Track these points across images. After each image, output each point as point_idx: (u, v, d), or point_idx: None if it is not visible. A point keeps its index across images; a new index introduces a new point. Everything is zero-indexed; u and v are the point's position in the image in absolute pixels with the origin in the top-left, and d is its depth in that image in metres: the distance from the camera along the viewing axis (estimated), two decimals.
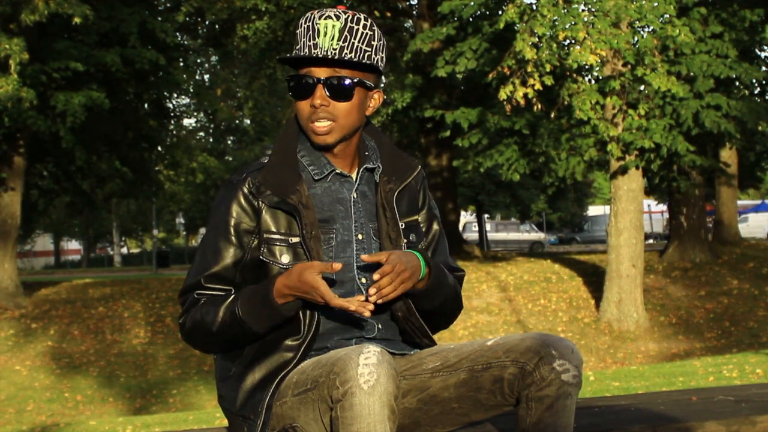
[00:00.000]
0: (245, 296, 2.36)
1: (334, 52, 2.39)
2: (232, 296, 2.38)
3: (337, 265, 2.27)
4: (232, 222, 2.42)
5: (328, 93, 2.41)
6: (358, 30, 2.41)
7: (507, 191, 40.87)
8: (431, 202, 2.63)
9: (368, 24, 2.43)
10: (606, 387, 9.75)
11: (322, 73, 2.41)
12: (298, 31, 2.44)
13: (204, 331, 2.40)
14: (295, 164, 2.46)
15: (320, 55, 2.38)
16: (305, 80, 2.42)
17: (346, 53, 2.39)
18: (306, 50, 2.40)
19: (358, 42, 2.40)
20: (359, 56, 2.41)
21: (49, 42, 18.66)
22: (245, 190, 2.43)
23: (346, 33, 2.40)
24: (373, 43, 2.43)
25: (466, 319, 18.60)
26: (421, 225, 2.59)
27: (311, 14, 2.42)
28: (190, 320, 2.41)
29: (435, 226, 2.62)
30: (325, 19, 2.40)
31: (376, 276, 2.30)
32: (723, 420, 3.08)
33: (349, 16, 2.41)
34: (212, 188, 42.98)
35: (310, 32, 2.40)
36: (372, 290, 2.30)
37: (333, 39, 2.39)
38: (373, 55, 2.44)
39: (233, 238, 2.42)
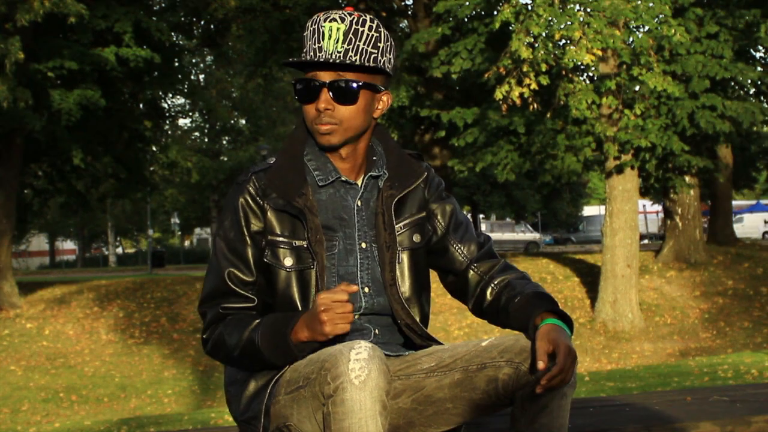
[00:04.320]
0: (266, 326, 2.32)
1: (338, 55, 2.35)
2: (256, 322, 2.34)
3: (354, 287, 2.23)
4: (243, 223, 2.40)
5: (332, 96, 2.38)
6: (363, 32, 2.37)
7: (502, 191, 40.89)
8: (443, 194, 2.58)
9: (374, 26, 2.39)
10: (601, 387, 9.75)
11: (326, 76, 2.38)
12: (304, 34, 2.41)
13: (225, 352, 2.37)
14: (301, 168, 2.44)
15: (324, 59, 2.35)
16: (310, 84, 2.39)
17: (350, 56, 2.36)
18: (311, 54, 2.37)
19: (364, 44, 2.37)
20: (364, 59, 2.37)
21: (44, 41, 18.63)
22: (251, 191, 2.41)
23: (350, 35, 2.36)
24: (379, 44, 2.39)
25: (462, 319, 18.59)
26: (436, 214, 2.55)
27: (318, 17, 2.39)
28: (213, 339, 2.38)
29: (449, 208, 2.57)
30: (330, 21, 2.36)
31: (543, 366, 2.21)
32: (718, 420, 3.08)
33: (354, 18, 2.37)
34: (207, 188, 42.91)
35: (315, 35, 2.37)
36: (544, 381, 2.21)
37: (337, 42, 2.35)
38: (380, 57, 2.40)
39: (248, 239, 2.39)
